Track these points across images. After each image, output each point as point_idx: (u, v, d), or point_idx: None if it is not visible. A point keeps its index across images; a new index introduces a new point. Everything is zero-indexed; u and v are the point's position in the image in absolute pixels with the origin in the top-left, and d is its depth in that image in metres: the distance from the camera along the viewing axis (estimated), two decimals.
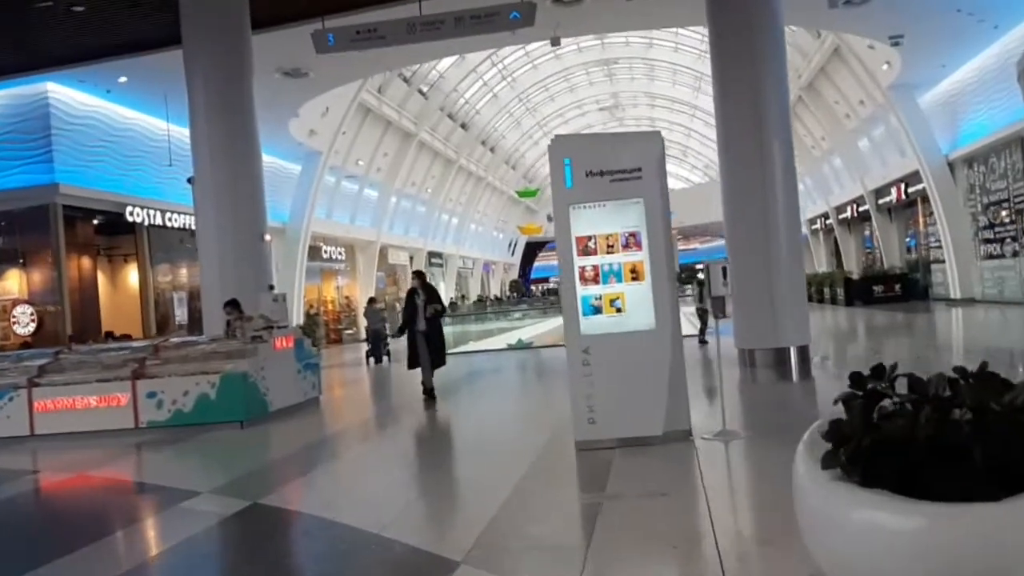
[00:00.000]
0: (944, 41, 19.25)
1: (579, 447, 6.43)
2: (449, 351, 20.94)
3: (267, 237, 13.70)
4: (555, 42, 17.33)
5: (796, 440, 6.14)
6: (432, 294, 11.20)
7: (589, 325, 6.44)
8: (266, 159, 23.88)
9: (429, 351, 10.84)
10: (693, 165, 65.70)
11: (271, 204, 24.50)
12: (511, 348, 20.73)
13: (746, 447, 6.26)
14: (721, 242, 66.53)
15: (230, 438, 9.09)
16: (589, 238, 6.48)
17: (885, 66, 22.57)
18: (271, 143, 22.58)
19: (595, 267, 6.46)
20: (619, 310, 6.44)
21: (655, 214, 6.41)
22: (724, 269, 6.80)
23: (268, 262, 14.14)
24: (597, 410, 6.37)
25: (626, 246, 6.46)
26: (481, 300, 44.98)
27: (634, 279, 6.43)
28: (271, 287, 12.99)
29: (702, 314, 16.04)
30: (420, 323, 10.84)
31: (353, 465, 7.17)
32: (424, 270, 41.03)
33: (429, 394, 10.79)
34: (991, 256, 21.93)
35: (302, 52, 15.74)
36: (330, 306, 31.00)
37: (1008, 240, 20.80)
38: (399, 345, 24.73)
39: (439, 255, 42.73)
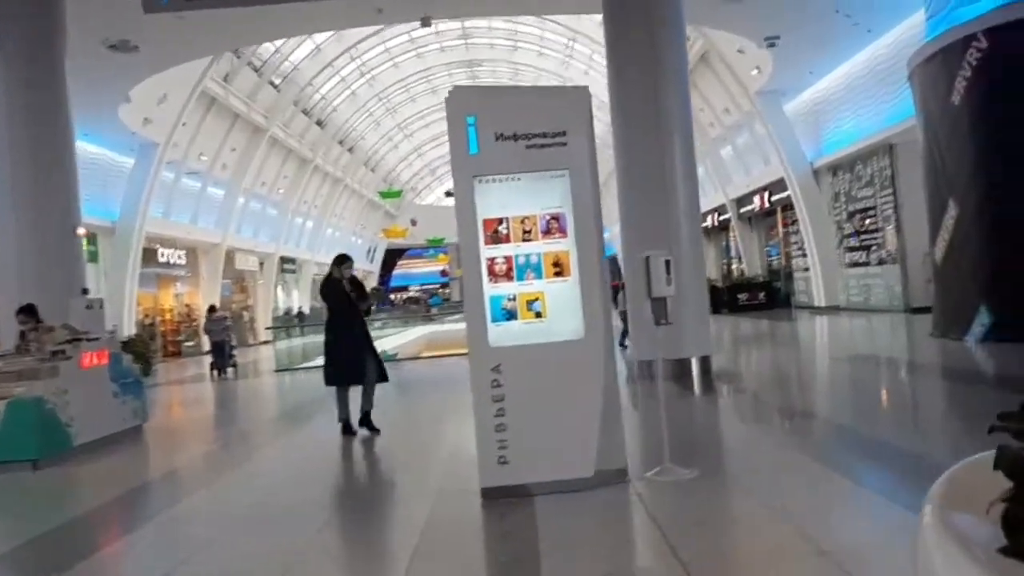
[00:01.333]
0: (817, 45, 19.07)
1: (486, 496, 4.89)
2: (301, 365, 19.08)
3: (80, 231, 11.40)
4: (426, 22, 15.81)
5: (752, 480, 4.80)
6: (361, 289, 8.27)
7: (500, 334, 4.92)
8: (92, 149, 21.13)
9: (375, 362, 8.11)
10: None
11: (98, 200, 21.68)
12: None
13: (700, 491, 4.90)
14: None
15: (16, 485, 6.97)
16: (500, 221, 4.97)
17: (755, 71, 22.38)
18: (97, 131, 19.82)
19: (508, 259, 4.96)
20: (539, 315, 4.96)
21: (584, 191, 4.98)
22: (668, 263, 5.45)
23: (81, 261, 11.81)
24: (511, 446, 4.86)
25: (547, 232, 4.99)
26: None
27: (557, 275, 4.97)
28: (85, 291, 10.73)
29: (622, 317, 14.75)
30: (354, 326, 8.03)
31: (183, 528, 5.29)
32: (277, 277, 38.54)
33: (369, 426, 7.91)
34: (856, 264, 22.05)
35: (130, 20, 13.51)
36: (168, 316, 28.01)
37: (874, 248, 20.90)
38: (246, 358, 22.42)
39: (292, 261, 40.11)
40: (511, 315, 4.94)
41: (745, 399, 9.40)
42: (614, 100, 10.78)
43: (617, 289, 14.76)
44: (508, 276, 4.94)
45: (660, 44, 10.43)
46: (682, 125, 10.39)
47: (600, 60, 34.72)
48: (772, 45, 18.50)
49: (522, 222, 4.97)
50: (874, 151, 20.28)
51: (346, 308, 8.03)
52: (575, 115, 5.04)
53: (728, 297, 27.63)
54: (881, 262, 20.55)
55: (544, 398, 4.87)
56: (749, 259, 31.35)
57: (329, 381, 8.06)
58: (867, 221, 21.19)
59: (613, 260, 21.57)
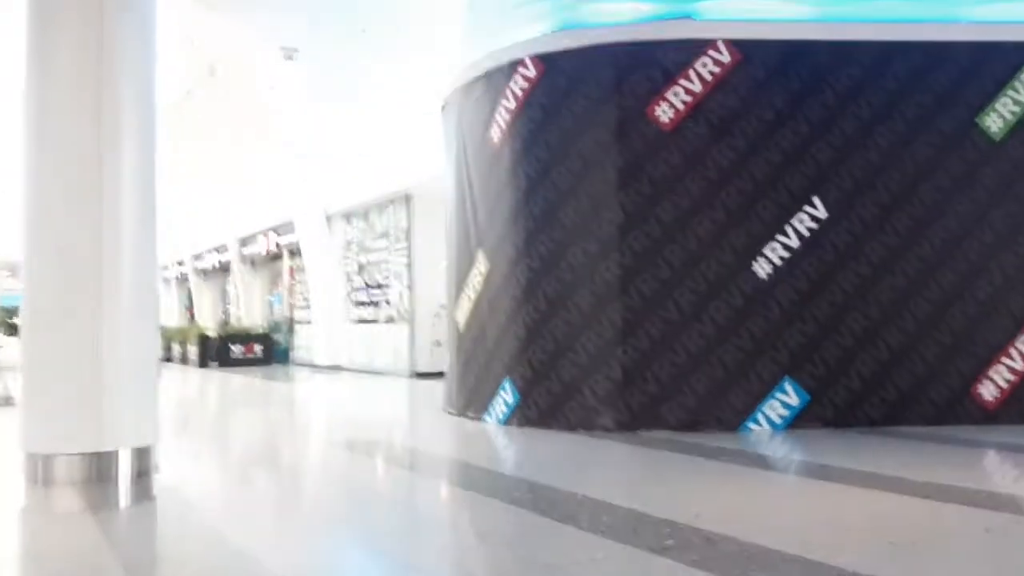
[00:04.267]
0: (339, 71, 16.88)
1: None
2: None
3: None
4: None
5: None
6: None
7: None
8: None
9: None
10: None
11: None
12: None
13: None
14: None
15: None
16: None
17: (270, 90, 19.50)
18: None
19: None
20: None
21: None
22: None
23: None
24: None
25: None
26: None
27: None
28: None
29: None
30: None
31: None
32: None
33: None
34: (364, 321, 20.15)
35: None
36: None
37: (383, 304, 19.17)
38: None
39: None
40: None
41: (188, 516, 5.98)
42: (30, 82, 6.70)
43: None
44: None
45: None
46: (138, 87, 6.84)
47: None
48: (290, 58, 15.79)
49: None
50: (391, 200, 18.69)
51: None
52: None
53: (220, 348, 23.91)
54: (390, 320, 18.87)
55: None
56: (249, 307, 28.03)
57: None
58: (378, 275, 19.46)
59: None
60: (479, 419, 9.68)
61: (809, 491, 6.38)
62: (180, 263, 34.68)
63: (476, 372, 9.94)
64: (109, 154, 6.51)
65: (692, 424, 8.50)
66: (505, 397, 9.31)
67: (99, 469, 6.48)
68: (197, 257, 32.70)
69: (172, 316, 36.77)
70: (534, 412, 9.08)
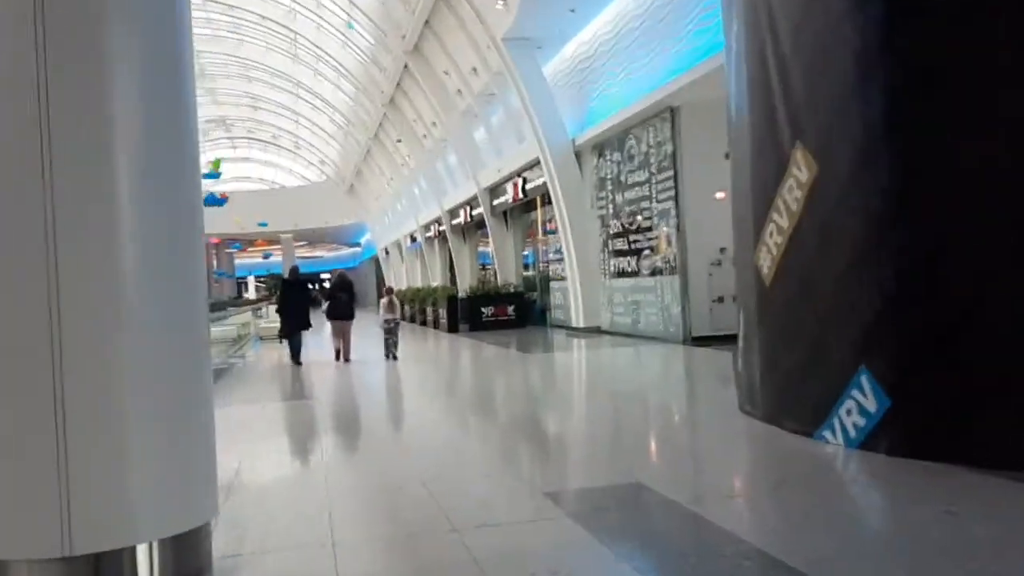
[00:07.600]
0: None
1: None
2: None
3: None
4: None
5: None
6: None
7: None
8: None
9: None
10: (308, 160, 57.84)
11: None
12: None
13: None
14: (349, 251, 59.97)
15: None
16: None
17: (500, 4, 16.30)
18: None
19: None
20: None
21: None
22: None
23: None
24: None
25: None
26: None
27: None
28: None
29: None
30: None
31: None
32: None
33: None
34: (624, 274, 16.49)
35: None
36: None
37: (647, 252, 15.36)
38: None
39: None
40: None
41: None
42: None
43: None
44: None
45: None
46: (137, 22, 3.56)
47: None
48: None
49: None
50: (650, 117, 14.73)
51: None
52: None
53: (471, 311, 21.52)
54: (655, 272, 15.05)
55: None
56: (503, 263, 25.49)
57: None
58: (639, 216, 15.65)
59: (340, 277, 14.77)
60: (809, 435, 5.66)
61: None
62: (439, 222, 33.17)
63: (798, 353, 5.88)
64: (57, 108, 3.29)
65: None
66: (861, 400, 5.20)
67: None
68: (452, 214, 30.84)
69: (436, 277, 35.67)
70: (920, 431, 4.91)
